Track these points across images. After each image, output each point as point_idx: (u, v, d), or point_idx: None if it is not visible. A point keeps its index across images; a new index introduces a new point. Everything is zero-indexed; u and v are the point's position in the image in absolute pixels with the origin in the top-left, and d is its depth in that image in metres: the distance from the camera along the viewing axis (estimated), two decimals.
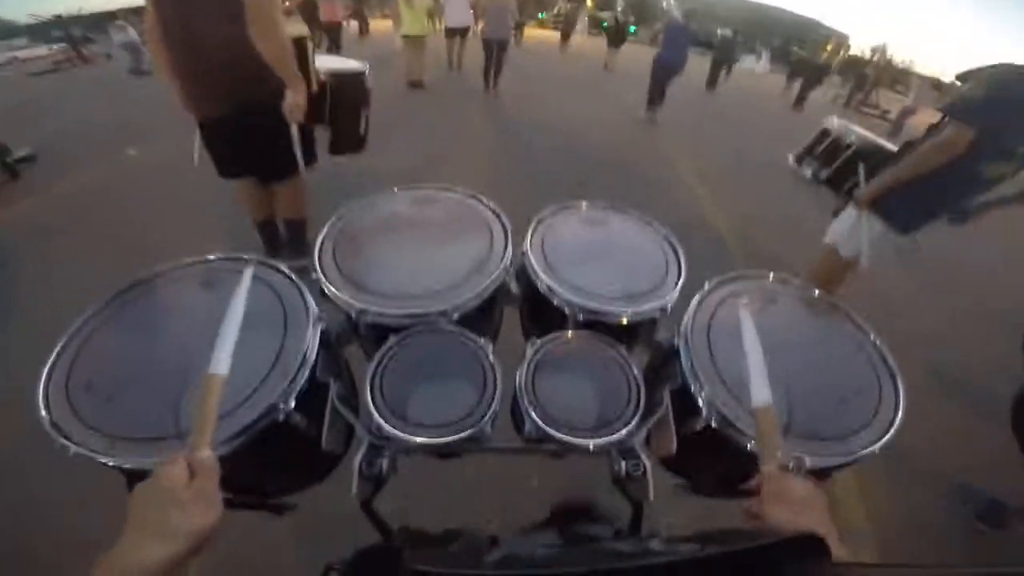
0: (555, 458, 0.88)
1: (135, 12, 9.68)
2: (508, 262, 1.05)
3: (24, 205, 3.83)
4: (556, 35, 18.17)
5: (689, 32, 7.45)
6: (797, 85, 12.93)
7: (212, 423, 0.58)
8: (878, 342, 0.95)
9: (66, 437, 0.70)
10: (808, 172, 2.98)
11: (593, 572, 0.33)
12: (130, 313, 0.91)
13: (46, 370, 0.78)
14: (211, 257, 0.99)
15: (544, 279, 1.04)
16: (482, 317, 1.05)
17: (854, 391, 0.88)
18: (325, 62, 2.44)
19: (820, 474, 0.79)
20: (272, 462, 0.88)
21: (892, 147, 2.55)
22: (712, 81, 13.02)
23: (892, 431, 0.81)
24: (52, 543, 1.55)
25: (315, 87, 2.37)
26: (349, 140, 2.83)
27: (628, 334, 1.03)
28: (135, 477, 0.70)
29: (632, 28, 18.56)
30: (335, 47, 9.87)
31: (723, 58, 13.23)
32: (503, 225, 1.15)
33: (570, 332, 0.98)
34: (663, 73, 7.47)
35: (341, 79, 2.50)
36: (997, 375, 3.15)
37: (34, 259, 3.09)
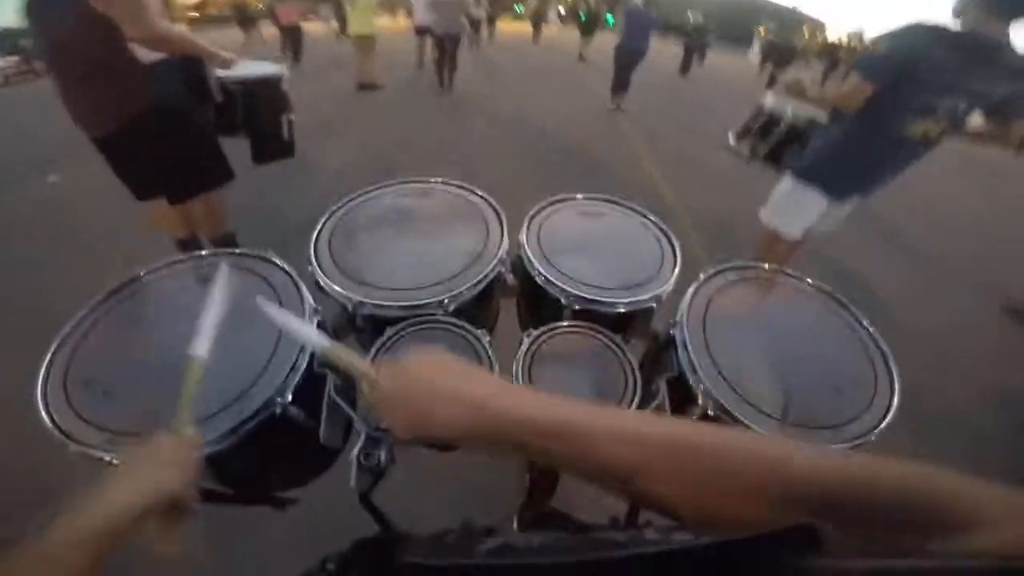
0: None
1: None
2: (503, 253, 1.05)
3: None
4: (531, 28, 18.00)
5: (650, 17, 7.21)
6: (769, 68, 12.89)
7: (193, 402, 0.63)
8: (872, 330, 0.96)
9: (66, 435, 0.70)
10: (745, 150, 2.91)
11: (587, 561, 0.33)
12: (127, 309, 0.91)
13: (43, 368, 0.78)
14: (205, 252, 0.99)
15: (540, 269, 1.04)
16: (479, 308, 1.05)
17: (850, 380, 0.89)
18: (238, 69, 2.30)
19: None
20: (270, 456, 0.88)
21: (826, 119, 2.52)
22: (685, 67, 12.86)
23: (888, 418, 0.81)
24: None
25: (218, 98, 2.25)
26: (272, 147, 2.63)
27: (624, 324, 1.04)
28: None
29: (609, 17, 18.31)
30: (294, 49, 9.63)
31: (695, 44, 13.09)
32: (498, 217, 1.14)
33: (566, 322, 0.99)
34: (626, 59, 7.29)
35: (251, 86, 2.36)
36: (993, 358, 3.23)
37: None
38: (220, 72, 2.22)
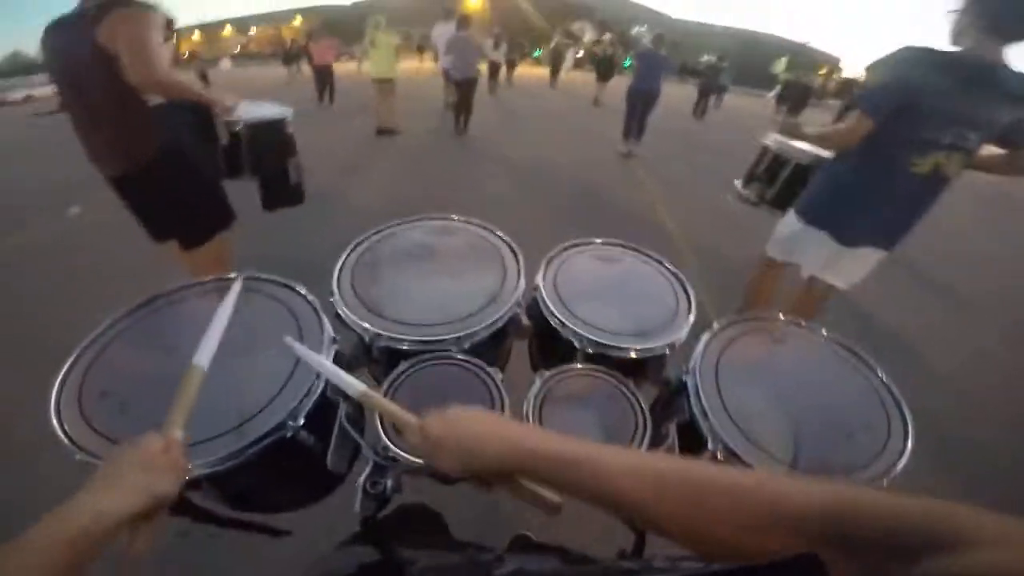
0: None
1: None
2: (520, 295, 1.07)
3: None
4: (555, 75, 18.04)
5: (659, 59, 7.21)
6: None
7: (188, 408, 0.64)
8: (885, 378, 0.95)
9: (74, 442, 0.72)
10: (753, 195, 2.82)
11: None
12: (148, 325, 0.94)
13: (59, 378, 0.81)
14: (232, 276, 1.03)
15: (555, 312, 1.06)
16: (493, 347, 1.06)
17: (862, 426, 0.87)
18: (243, 111, 2.25)
19: None
20: (276, 477, 0.88)
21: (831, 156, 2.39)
22: (699, 110, 12.81)
23: (900, 464, 0.80)
24: None
25: (224, 140, 2.22)
26: (280, 191, 2.58)
27: (637, 369, 1.04)
28: None
29: (628, 61, 18.53)
30: (325, 89, 9.89)
31: (710, 86, 13.06)
32: (516, 258, 1.17)
33: (579, 365, 0.99)
34: (636, 101, 7.25)
35: (256, 129, 2.29)
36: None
37: None
38: (230, 114, 2.22)
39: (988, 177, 2.08)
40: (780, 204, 2.63)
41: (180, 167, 2.07)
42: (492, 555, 0.58)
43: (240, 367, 0.87)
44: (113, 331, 0.91)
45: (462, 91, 7.68)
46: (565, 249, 1.27)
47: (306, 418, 0.81)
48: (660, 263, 1.25)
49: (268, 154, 2.43)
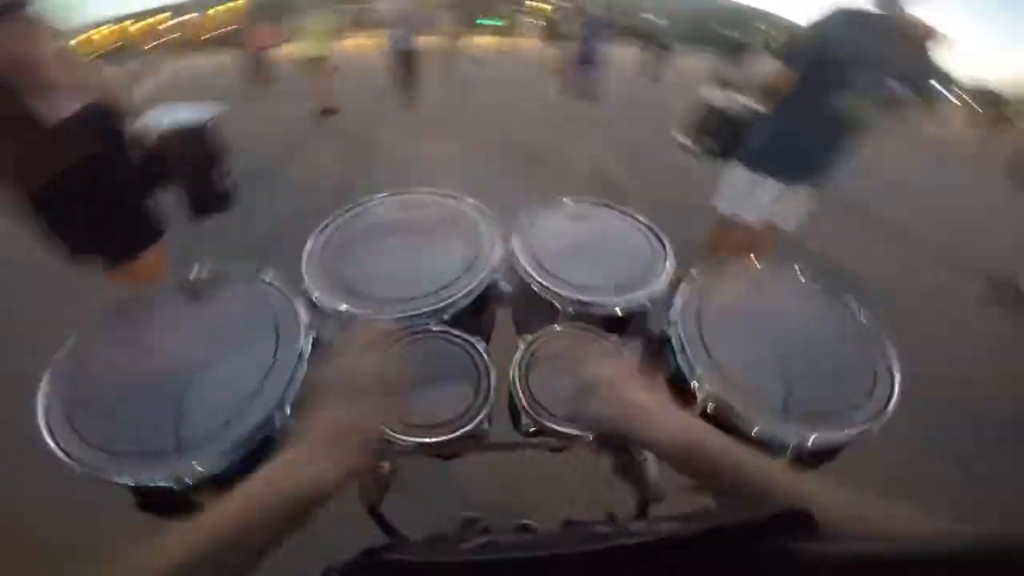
0: (555, 452, 0.89)
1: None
2: (496, 261, 1.06)
3: None
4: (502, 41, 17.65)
5: (604, 22, 6.95)
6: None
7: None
8: (866, 319, 0.96)
9: (69, 456, 0.71)
10: (697, 147, 2.98)
11: (569, 554, 0.34)
12: (123, 330, 0.92)
13: (41, 391, 0.79)
14: (198, 273, 1.00)
15: (532, 274, 1.05)
16: (474, 316, 1.05)
17: (848, 369, 0.89)
18: (160, 116, 2.11)
19: (825, 455, 0.80)
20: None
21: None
22: (649, 72, 12.55)
23: (890, 406, 0.82)
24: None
25: (138, 150, 2.04)
26: (206, 201, 2.40)
27: (620, 325, 1.04)
28: (141, 493, 0.71)
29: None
30: (258, 74, 9.48)
31: (654, 46, 12.74)
32: (489, 224, 1.15)
33: (560, 326, 0.99)
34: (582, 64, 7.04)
35: (174, 137, 2.13)
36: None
37: None
38: (141, 122, 2.04)
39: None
40: (723, 154, 2.79)
41: (92, 180, 1.88)
42: (478, 527, 0.59)
43: (218, 364, 0.85)
44: (82, 345, 0.88)
45: (407, 62, 7.43)
46: (536, 211, 1.25)
47: (293, 407, 0.80)
48: (632, 217, 1.24)
49: (189, 162, 2.24)
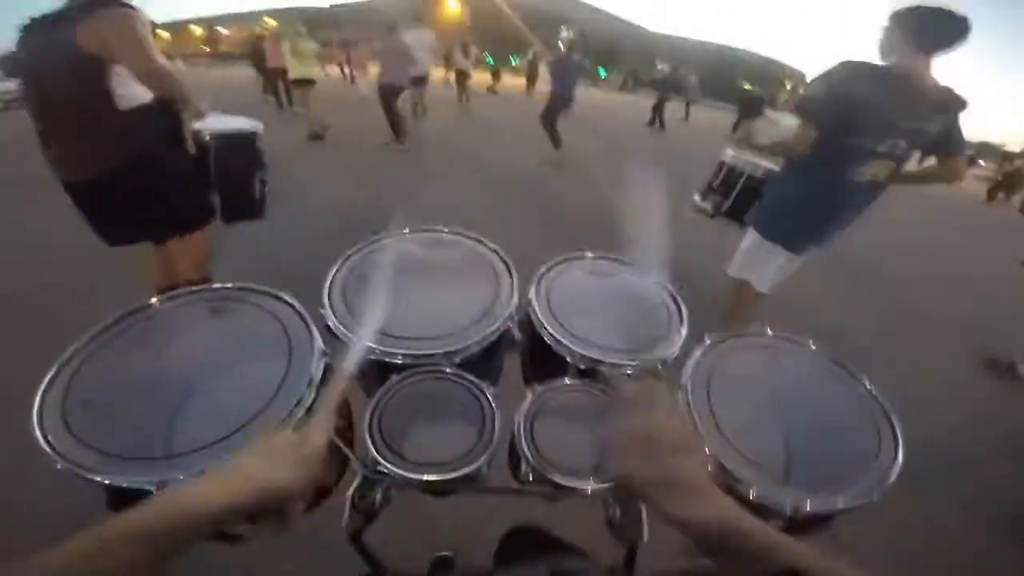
0: (549, 500, 0.87)
1: None
2: (513, 310, 1.07)
3: None
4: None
5: (575, 64, 7.22)
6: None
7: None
8: (872, 390, 0.96)
9: (54, 450, 0.70)
10: (709, 207, 2.95)
11: None
12: (137, 334, 0.92)
13: (43, 385, 0.78)
14: (220, 285, 1.01)
15: (548, 328, 1.05)
16: (485, 361, 1.05)
17: (852, 440, 0.88)
18: (213, 123, 2.26)
19: (822, 520, 0.78)
20: None
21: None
22: (654, 120, 12.88)
23: (892, 476, 0.80)
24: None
25: (192, 150, 2.25)
26: (241, 207, 2.56)
27: None
28: (118, 494, 0.69)
29: (601, 71, 18.56)
30: (283, 94, 9.76)
31: (664, 96, 13.22)
32: (509, 272, 1.17)
33: (569, 379, 0.99)
34: (554, 108, 7.25)
35: (224, 141, 2.29)
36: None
37: None
38: (196, 125, 2.22)
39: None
40: (735, 216, 2.81)
41: (154, 171, 2.07)
42: (483, 570, 0.57)
43: (228, 380, 0.85)
44: (95, 343, 0.88)
45: (389, 98, 7.48)
46: (557, 264, 1.27)
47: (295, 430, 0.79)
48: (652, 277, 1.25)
49: (234, 168, 2.42)
